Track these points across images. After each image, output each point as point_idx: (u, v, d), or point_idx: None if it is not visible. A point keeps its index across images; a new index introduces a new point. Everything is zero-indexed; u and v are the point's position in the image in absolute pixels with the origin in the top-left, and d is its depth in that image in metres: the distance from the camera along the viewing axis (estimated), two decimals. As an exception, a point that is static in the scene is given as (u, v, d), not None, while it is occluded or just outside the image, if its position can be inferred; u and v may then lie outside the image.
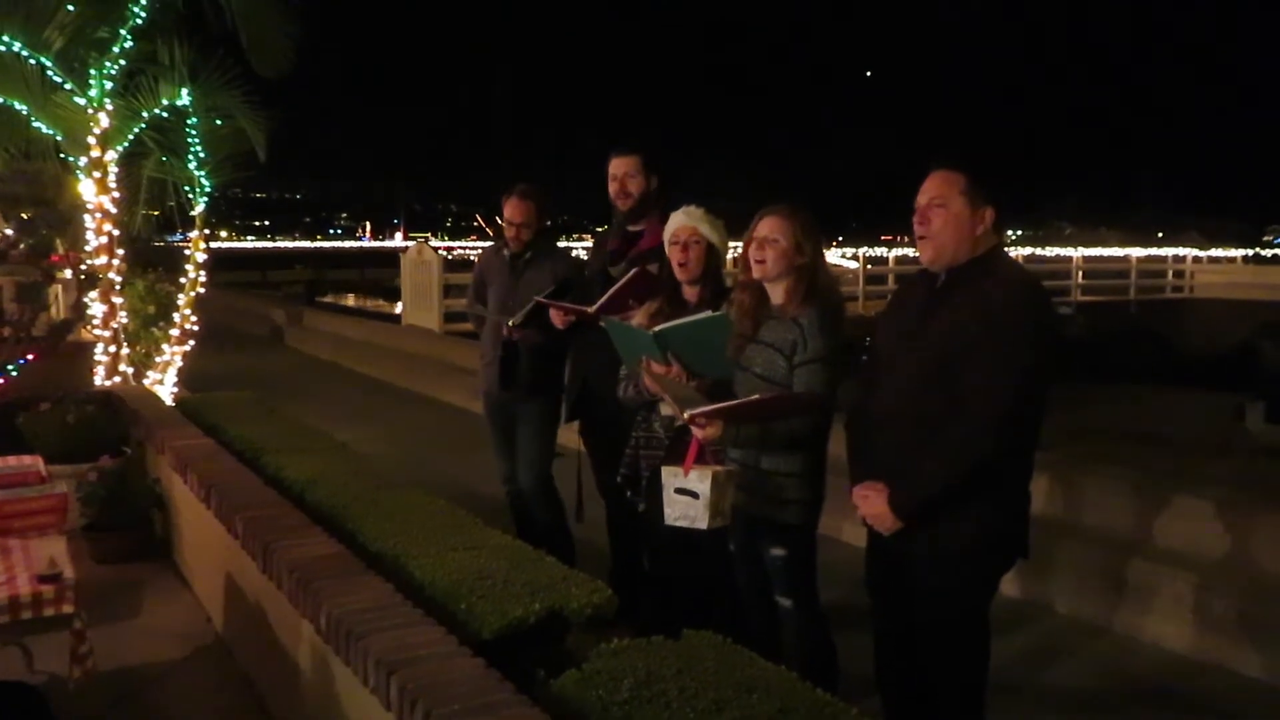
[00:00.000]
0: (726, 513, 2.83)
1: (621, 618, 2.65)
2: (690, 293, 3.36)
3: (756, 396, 2.76)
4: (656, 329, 3.12)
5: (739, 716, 1.87)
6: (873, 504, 2.58)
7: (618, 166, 3.97)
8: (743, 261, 2.99)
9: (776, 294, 2.96)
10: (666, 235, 3.39)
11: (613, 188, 3.98)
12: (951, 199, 2.53)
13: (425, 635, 2.32)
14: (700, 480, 2.78)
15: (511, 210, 4.28)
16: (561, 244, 4.67)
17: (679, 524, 2.85)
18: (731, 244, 3.48)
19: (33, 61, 6.36)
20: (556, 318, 3.90)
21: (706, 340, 3.06)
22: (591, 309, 3.62)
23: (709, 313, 3.15)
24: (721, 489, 2.80)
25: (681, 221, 3.33)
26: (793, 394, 2.84)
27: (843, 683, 2.97)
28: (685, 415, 2.81)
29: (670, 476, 2.87)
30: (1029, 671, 3.80)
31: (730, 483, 2.85)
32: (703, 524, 2.80)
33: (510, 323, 4.11)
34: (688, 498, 2.81)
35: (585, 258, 4.62)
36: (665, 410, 3.36)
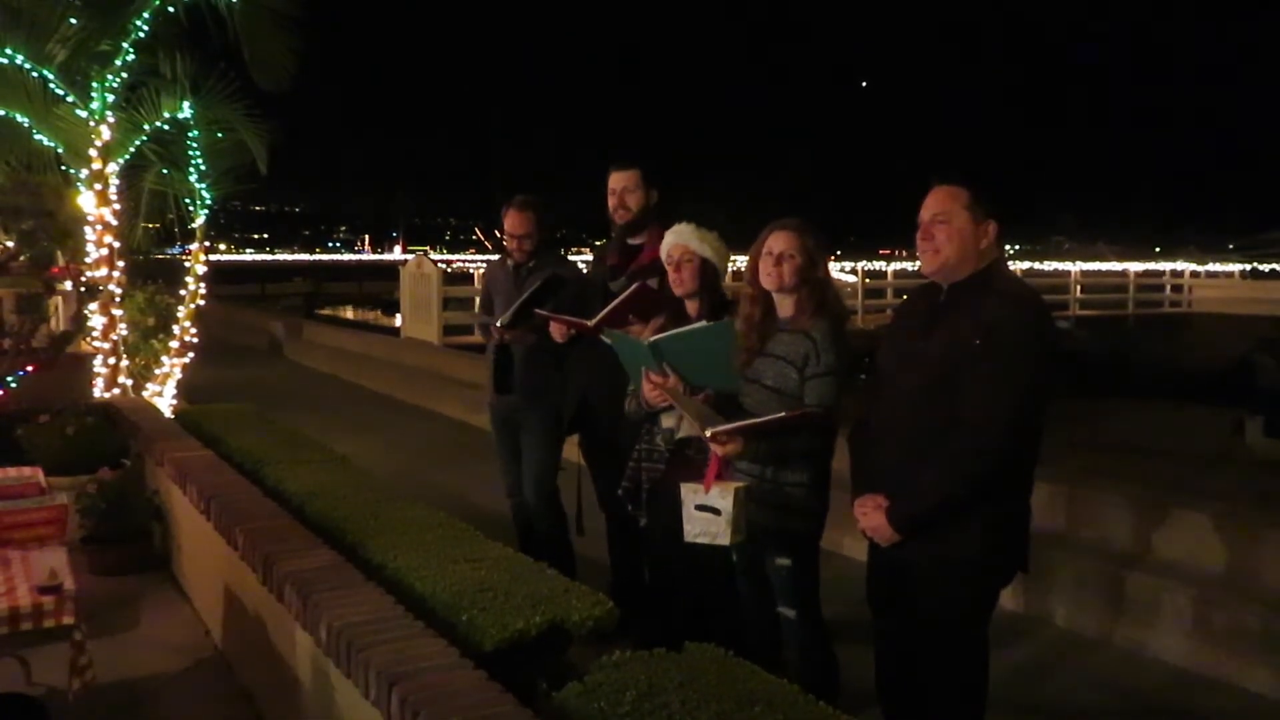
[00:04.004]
0: (744, 528, 2.83)
1: (621, 631, 2.65)
2: (691, 306, 3.38)
3: (781, 414, 2.76)
4: (651, 339, 3.13)
5: (741, 729, 1.86)
6: (872, 517, 2.59)
7: (617, 181, 3.99)
8: (750, 273, 3.00)
9: (785, 306, 2.97)
10: (663, 254, 3.42)
11: (612, 202, 4.00)
12: (955, 214, 2.54)
13: (426, 647, 2.31)
14: (722, 497, 2.78)
15: (511, 222, 4.29)
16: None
17: (700, 540, 2.85)
18: (733, 256, 3.50)
19: (35, 74, 6.39)
20: (556, 330, 3.90)
21: (704, 350, 3.06)
22: (590, 323, 3.63)
23: (704, 323, 3.16)
24: (742, 505, 2.80)
25: (671, 240, 3.37)
26: (811, 411, 2.84)
27: (843, 695, 2.97)
28: (707, 433, 2.81)
29: (690, 494, 2.86)
30: (1029, 685, 3.79)
31: (749, 498, 2.85)
32: (724, 540, 2.79)
33: (498, 323, 4.12)
34: (709, 514, 2.80)
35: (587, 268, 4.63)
36: (666, 423, 3.37)
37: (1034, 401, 2.47)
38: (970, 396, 2.43)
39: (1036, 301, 2.59)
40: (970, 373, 2.44)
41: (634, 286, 3.57)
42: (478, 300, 4.82)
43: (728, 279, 3.56)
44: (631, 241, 4.00)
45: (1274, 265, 32.13)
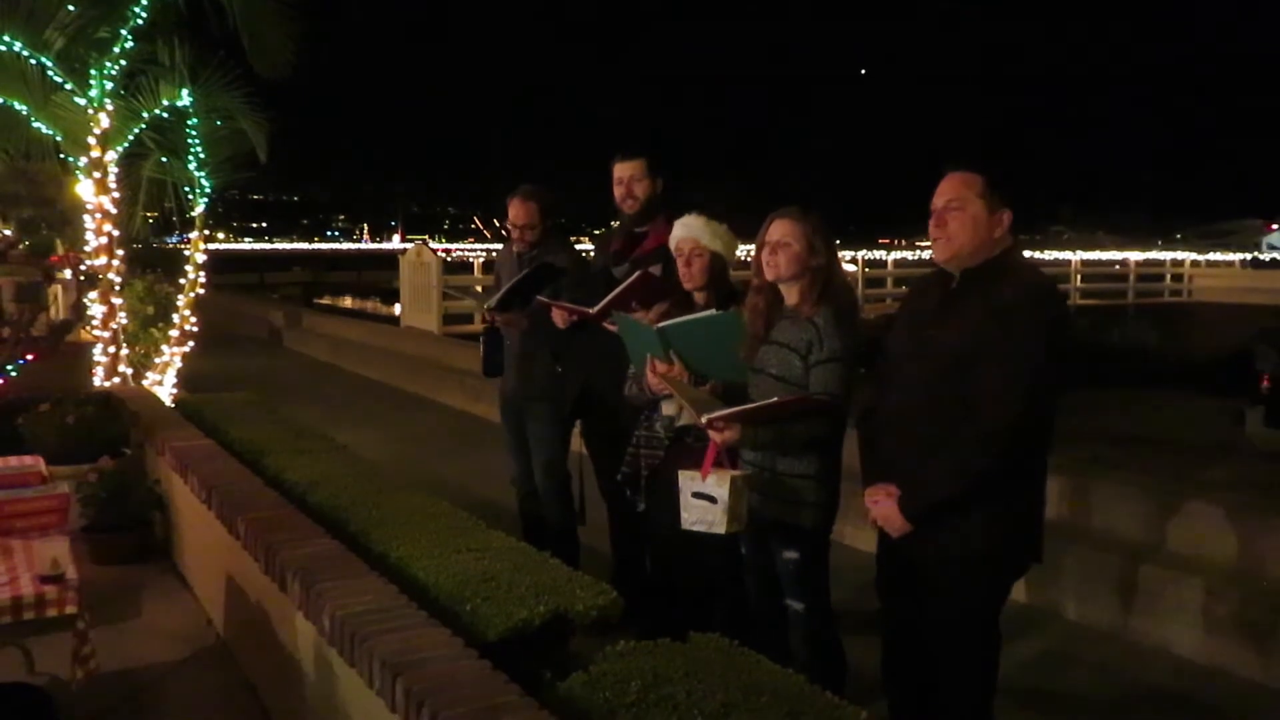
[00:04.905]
0: (743, 517, 2.81)
1: (624, 620, 2.64)
2: (699, 298, 3.35)
3: (775, 399, 2.74)
4: (659, 324, 3.11)
5: (748, 720, 1.86)
6: (884, 506, 2.56)
7: (623, 170, 3.97)
8: (755, 265, 2.98)
9: (791, 295, 2.95)
10: (671, 246, 3.39)
11: (618, 191, 3.98)
12: (969, 201, 2.50)
13: (430, 637, 2.30)
14: (719, 485, 2.76)
15: (515, 212, 4.27)
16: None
17: (696, 528, 2.83)
18: (742, 246, 3.48)
19: (33, 61, 6.36)
20: (558, 317, 3.89)
21: (712, 339, 3.04)
22: (593, 310, 3.62)
23: (712, 311, 3.14)
24: (739, 493, 2.78)
25: (681, 234, 3.32)
26: (811, 395, 2.82)
27: (848, 684, 2.96)
28: (703, 419, 2.79)
29: (687, 480, 2.84)
30: (1037, 677, 3.78)
31: (747, 487, 2.83)
32: (720, 528, 2.78)
33: (485, 305, 4.11)
34: (705, 502, 2.79)
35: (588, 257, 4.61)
36: (667, 410, 3.35)
37: (1049, 390, 2.44)
38: (984, 385, 2.40)
39: (1051, 289, 2.54)
40: (983, 361, 2.41)
41: (636, 274, 3.56)
42: (481, 288, 4.81)
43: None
44: (639, 230, 3.99)
45: (1219, 254, 32.35)
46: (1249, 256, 40.27)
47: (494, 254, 4.91)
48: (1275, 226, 61.08)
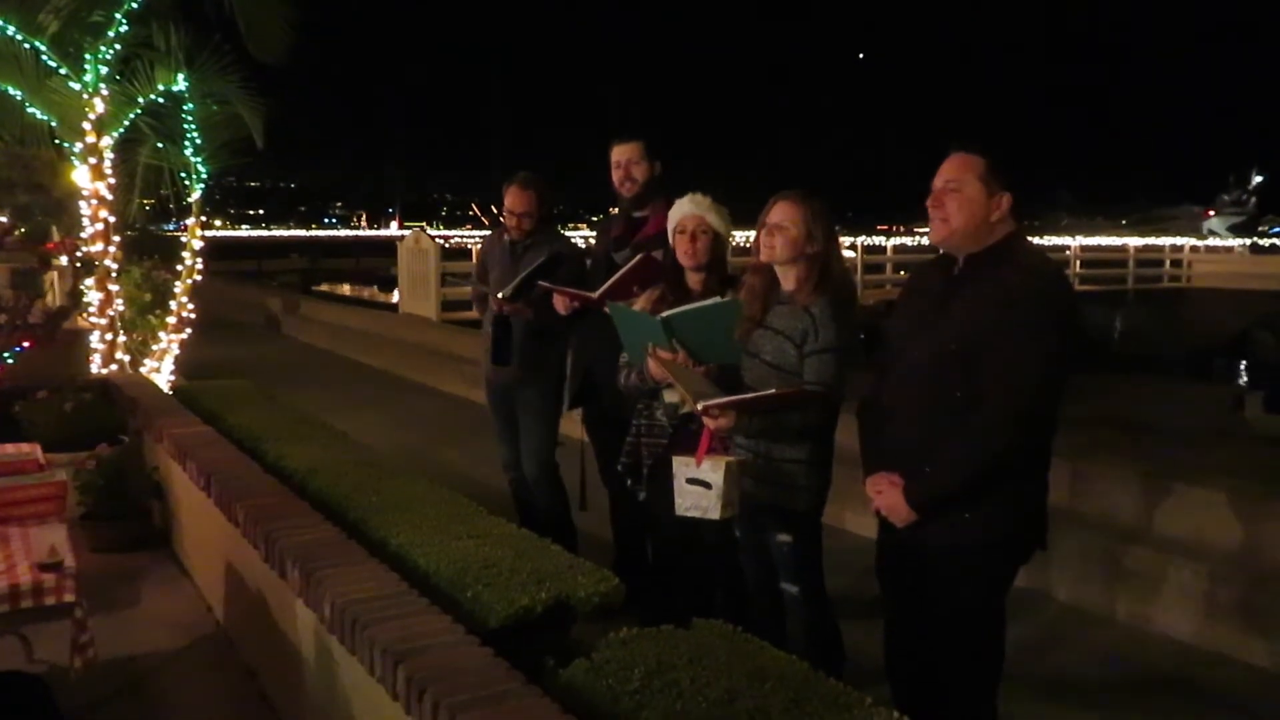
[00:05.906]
0: (736, 502, 2.81)
1: (625, 607, 2.63)
2: (694, 279, 3.32)
3: (773, 391, 2.73)
4: (664, 314, 3.08)
5: (752, 706, 1.84)
6: (888, 495, 2.53)
7: (620, 154, 3.95)
8: (755, 246, 2.97)
9: (787, 280, 2.93)
10: (671, 223, 3.35)
11: (616, 175, 3.96)
12: (967, 182, 2.48)
13: (431, 624, 2.29)
14: (713, 470, 2.76)
15: (513, 199, 4.25)
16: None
17: (691, 514, 2.83)
18: (738, 233, 3.46)
19: (27, 46, 6.32)
20: (560, 303, 3.87)
21: (714, 327, 3.03)
22: (595, 294, 3.60)
23: (717, 299, 3.12)
24: (734, 479, 2.78)
25: (689, 210, 3.29)
26: (807, 388, 2.81)
27: (847, 669, 2.96)
28: (699, 407, 2.78)
29: (682, 466, 2.84)
30: (1035, 660, 3.78)
31: (741, 472, 2.83)
32: (715, 514, 2.77)
33: (499, 294, 4.09)
34: (700, 488, 2.78)
35: (587, 244, 4.59)
36: (669, 398, 3.33)
37: (1054, 377, 2.41)
38: (990, 373, 2.37)
39: (1057, 274, 2.52)
40: (989, 348, 2.38)
41: (639, 258, 3.54)
42: (473, 273, 4.80)
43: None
44: (637, 214, 3.96)
45: (1160, 239, 32.56)
46: (1249, 242, 40.32)
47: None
48: (1212, 212, 62.66)
